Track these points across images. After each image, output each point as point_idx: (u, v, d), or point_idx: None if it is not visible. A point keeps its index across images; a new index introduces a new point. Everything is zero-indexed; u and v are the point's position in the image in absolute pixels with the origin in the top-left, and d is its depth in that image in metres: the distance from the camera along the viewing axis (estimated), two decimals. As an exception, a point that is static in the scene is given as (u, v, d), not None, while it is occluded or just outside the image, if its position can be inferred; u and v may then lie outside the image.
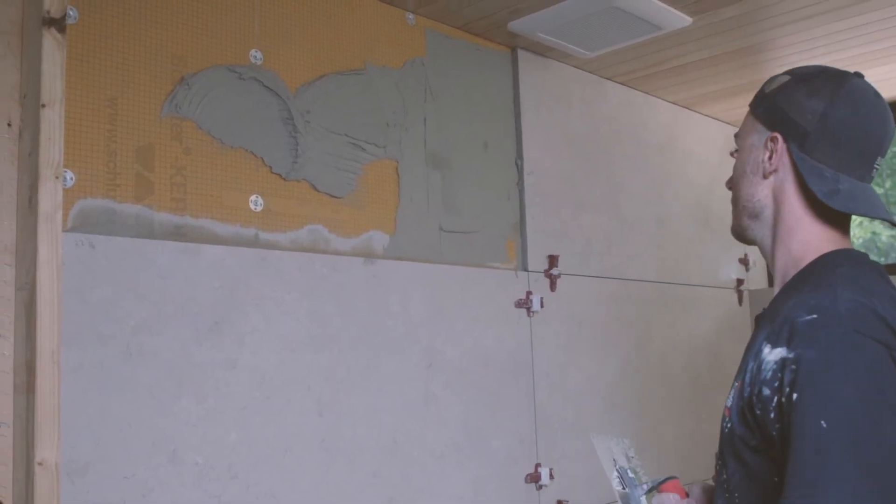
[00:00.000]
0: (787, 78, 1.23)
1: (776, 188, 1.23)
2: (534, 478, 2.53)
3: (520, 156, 2.69)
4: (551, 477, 2.57)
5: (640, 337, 3.03)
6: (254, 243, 1.97)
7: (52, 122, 1.62)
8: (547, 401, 2.63)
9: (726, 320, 3.48)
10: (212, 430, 1.82)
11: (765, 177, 1.24)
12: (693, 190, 3.39)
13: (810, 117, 1.18)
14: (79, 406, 1.64)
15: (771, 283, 3.78)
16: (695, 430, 3.22)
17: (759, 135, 1.24)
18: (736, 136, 1.33)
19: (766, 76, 2.98)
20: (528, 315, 2.61)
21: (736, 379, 1.18)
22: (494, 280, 2.52)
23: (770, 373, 1.06)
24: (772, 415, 1.05)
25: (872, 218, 1.19)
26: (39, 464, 1.54)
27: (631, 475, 1.34)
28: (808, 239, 1.21)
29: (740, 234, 1.32)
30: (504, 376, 2.50)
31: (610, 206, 2.98)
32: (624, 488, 1.33)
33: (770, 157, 1.22)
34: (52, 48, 1.63)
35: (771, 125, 1.22)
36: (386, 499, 2.13)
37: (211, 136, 1.93)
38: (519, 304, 2.59)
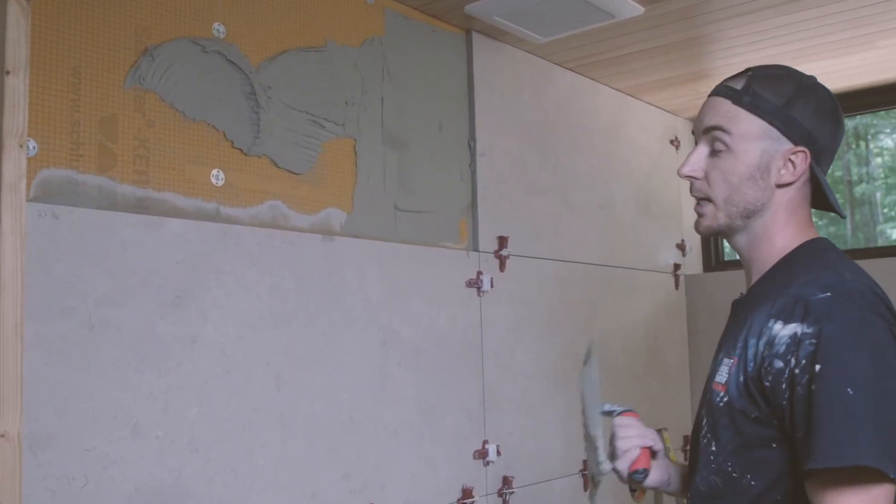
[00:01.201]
0: (790, 89, 1.28)
1: (783, 194, 1.29)
2: (481, 454, 2.58)
3: (473, 137, 2.72)
4: (498, 453, 2.62)
5: (584, 318, 3.10)
6: (215, 217, 1.97)
7: (17, 89, 1.58)
8: (495, 379, 2.68)
9: (664, 304, 3.59)
10: (173, 404, 1.82)
11: (779, 185, 1.28)
12: (635, 176, 3.48)
13: (828, 135, 1.28)
14: (41, 379, 1.62)
15: (707, 269, 3.90)
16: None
17: (775, 142, 1.27)
18: (725, 131, 1.29)
19: (710, 67, 3.12)
20: (479, 295, 2.65)
21: (726, 356, 1.25)
22: (447, 260, 2.55)
23: (784, 346, 1.14)
24: (783, 385, 1.13)
25: (843, 217, 1.35)
26: (2, 436, 1.51)
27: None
28: (794, 233, 1.29)
29: (725, 232, 1.34)
30: (455, 355, 2.54)
31: (558, 190, 3.04)
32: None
33: (793, 168, 1.27)
34: (16, 14, 1.60)
35: (795, 139, 1.26)
36: (342, 474, 2.15)
37: (174, 108, 1.91)
38: (470, 284, 2.63)
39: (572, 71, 3.18)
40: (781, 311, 1.17)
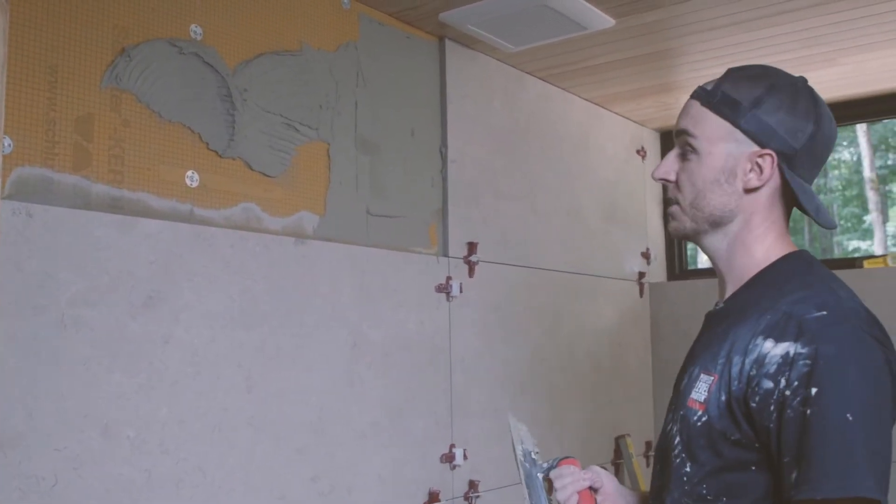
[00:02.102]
0: (760, 89, 1.22)
1: (753, 200, 1.23)
2: (448, 458, 2.61)
3: (444, 144, 2.74)
4: (465, 457, 2.65)
5: (550, 325, 3.14)
6: (189, 219, 1.97)
7: (-6, 86, 1.58)
8: (462, 384, 2.70)
9: (628, 311, 3.64)
10: (144, 404, 1.82)
11: (747, 190, 1.23)
12: (602, 185, 3.52)
13: (801, 136, 1.21)
14: (11, 377, 1.62)
15: (671, 277, 3.96)
16: (595, 416, 3.36)
17: (739, 145, 1.22)
18: (691, 135, 1.26)
19: (677, 79, 3.18)
20: (448, 300, 2.68)
21: (704, 371, 1.20)
22: (417, 265, 2.58)
23: (774, 366, 1.09)
24: (771, 407, 1.08)
25: (830, 228, 1.28)
26: (-28, 434, 1.51)
27: (534, 456, 1.41)
28: (771, 244, 1.24)
29: (692, 237, 1.30)
30: (423, 359, 2.56)
31: (526, 197, 3.08)
32: (525, 463, 1.41)
33: (760, 172, 1.22)
34: (-5, 11, 1.59)
35: (762, 142, 1.21)
36: (310, 476, 2.16)
37: (150, 109, 1.91)
38: (439, 289, 2.65)
39: (543, 80, 3.22)
40: (772, 329, 1.12)
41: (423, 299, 2.59)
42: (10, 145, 1.67)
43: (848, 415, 1.03)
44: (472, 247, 2.79)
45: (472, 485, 2.68)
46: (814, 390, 1.05)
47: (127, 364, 1.80)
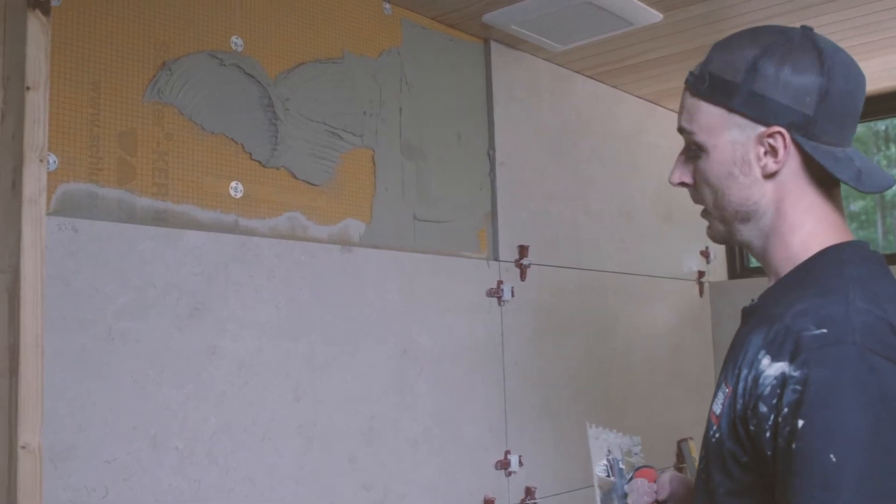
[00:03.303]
0: (749, 59, 1.07)
1: (778, 185, 1.09)
2: (503, 464, 2.57)
3: (492, 146, 2.72)
4: (520, 464, 2.61)
5: (605, 327, 3.08)
6: (234, 229, 1.98)
7: (37, 105, 1.61)
8: (516, 389, 2.67)
9: (687, 312, 3.56)
10: (192, 415, 1.83)
11: (766, 176, 1.09)
12: (657, 183, 3.46)
13: (810, 99, 1.04)
14: (61, 390, 1.64)
15: (732, 275, 3.87)
16: (654, 419, 3.29)
17: (743, 130, 1.08)
18: (688, 132, 1.15)
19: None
20: (499, 304, 2.65)
21: (725, 382, 1.08)
22: (467, 269, 2.55)
23: (769, 388, 0.96)
24: (767, 434, 0.95)
25: (880, 191, 1.07)
26: (23, 448, 1.53)
27: (621, 466, 1.36)
28: (811, 233, 1.09)
29: (727, 239, 1.18)
30: (475, 364, 2.54)
31: (578, 198, 3.03)
32: (609, 476, 1.36)
33: (775, 155, 1.07)
34: (36, 30, 1.62)
35: (764, 118, 1.06)
36: (361, 484, 2.15)
37: (192, 121, 1.93)
38: (490, 294, 2.62)
39: (593, 79, 3.17)
40: (770, 343, 0.98)
41: (474, 304, 2.57)
42: (54, 162, 1.69)
43: (831, 455, 0.87)
44: (523, 250, 2.75)
45: (529, 491, 2.64)
46: (800, 422, 0.90)
47: (174, 375, 1.81)
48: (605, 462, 1.36)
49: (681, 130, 1.17)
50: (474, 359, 2.54)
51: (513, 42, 2.78)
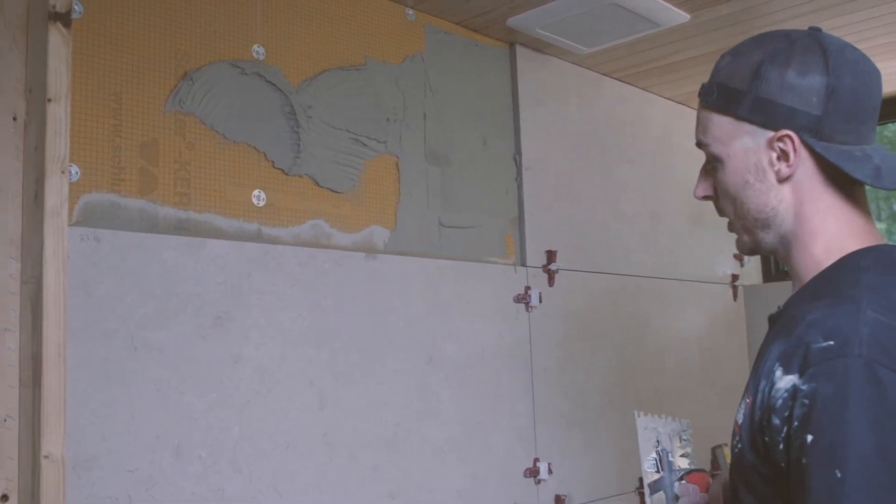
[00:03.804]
0: (754, 65, 1.07)
1: (795, 189, 1.08)
2: (532, 472, 2.55)
3: (518, 151, 2.70)
4: (550, 471, 2.59)
5: (636, 332, 3.05)
6: (256, 238, 1.98)
7: (59, 116, 1.62)
8: (545, 395, 2.64)
9: (721, 316, 3.51)
10: (215, 424, 1.83)
11: (780, 180, 1.08)
12: (687, 185, 3.41)
13: (816, 99, 1.03)
14: (84, 400, 1.65)
15: (766, 278, 3.80)
16: (690, 425, 3.24)
17: (753, 136, 1.08)
18: (703, 144, 1.16)
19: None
20: (527, 310, 2.62)
21: (748, 391, 1.05)
22: (493, 275, 2.53)
23: (781, 401, 0.95)
24: (780, 446, 0.95)
25: None
26: (46, 457, 1.54)
27: (671, 459, 1.32)
28: (833, 237, 1.07)
29: (754, 248, 1.17)
30: (503, 371, 2.52)
31: (606, 202, 3.00)
32: (658, 471, 1.32)
33: (787, 159, 1.07)
34: (57, 43, 1.64)
35: (771, 123, 1.06)
36: (386, 493, 2.14)
37: (214, 130, 1.93)
38: (518, 300, 2.60)
39: (620, 81, 3.14)
40: (785, 355, 0.97)
41: (501, 310, 2.55)
42: (77, 173, 1.70)
43: (836, 471, 0.87)
44: (551, 255, 2.73)
45: (559, 499, 2.61)
46: (809, 437, 0.90)
47: (197, 384, 1.81)
48: (653, 456, 1.32)
49: (698, 144, 1.17)
50: (501, 365, 2.52)
51: (538, 45, 2.76)
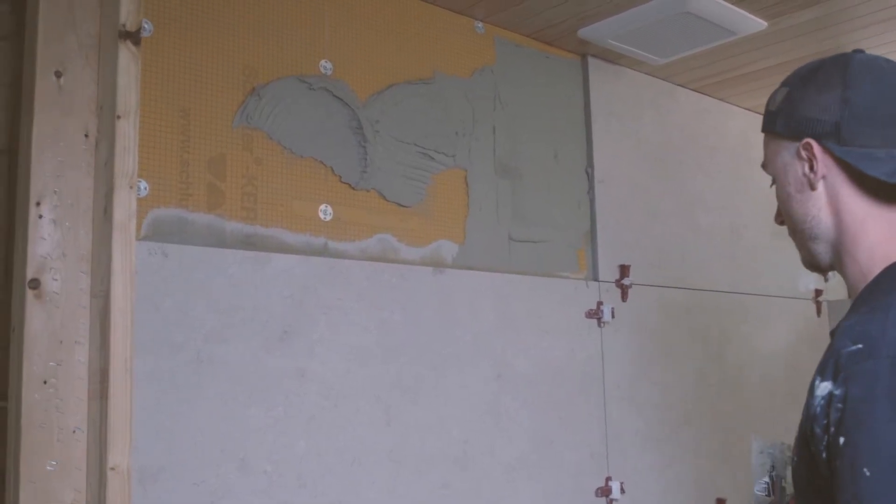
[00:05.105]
0: (788, 87, 1.16)
1: (830, 196, 1.13)
2: (605, 491, 2.49)
3: (590, 164, 2.65)
4: (622, 491, 2.52)
5: (715, 348, 2.95)
6: (323, 252, 1.98)
7: (127, 132, 1.64)
8: (618, 413, 2.58)
9: (804, 332, 3.38)
10: (281, 438, 1.83)
11: (813, 188, 1.13)
12: (768, 197, 3.30)
13: (834, 108, 1.09)
14: (150, 413, 1.66)
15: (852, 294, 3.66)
16: (772, 446, 3.13)
17: (788, 150, 1.15)
18: (763, 166, 1.24)
19: (846, 81, 2.92)
20: (599, 326, 2.57)
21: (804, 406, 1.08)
22: (564, 290, 2.49)
23: (819, 409, 0.97)
24: (823, 455, 0.96)
25: None
26: (112, 469, 1.56)
27: (784, 485, 1.29)
28: (875, 245, 1.10)
29: (813, 263, 1.20)
30: (574, 388, 2.47)
31: (682, 215, 2.93)
32: (769, 495, 1.30)
33: (811, 166, 1.12)
34: (127, 60, 1.66)
35: (796, 134, 1.12)
36: (454, 510, 2.11)
37: (281, 145, 1.94)
38: (589, 315, 2.55)
39: (697, 91, 3.06)
40: (821, 364, 1.00)
41: (573, 326, 2.50)
42: (145, 188, 1.73)
43: (865, 469, 0.88)
44: (624, 269, 2.67)
45: (633, 520, 2.54)
46: (842, 440, 0.92)
47: (263, 398, 1.81)
48: (766, 479, 1.30)
49: (763, 167, 1.26)
50: (573, 382, 2.46)
51: (611, 57, 2.71)
